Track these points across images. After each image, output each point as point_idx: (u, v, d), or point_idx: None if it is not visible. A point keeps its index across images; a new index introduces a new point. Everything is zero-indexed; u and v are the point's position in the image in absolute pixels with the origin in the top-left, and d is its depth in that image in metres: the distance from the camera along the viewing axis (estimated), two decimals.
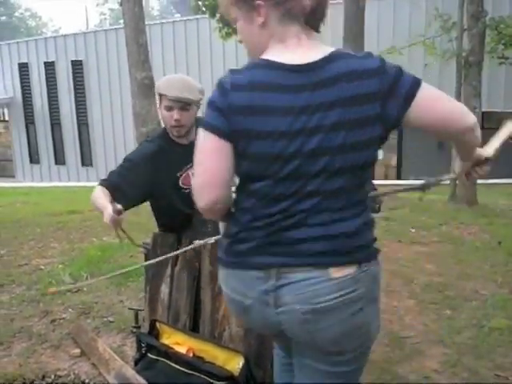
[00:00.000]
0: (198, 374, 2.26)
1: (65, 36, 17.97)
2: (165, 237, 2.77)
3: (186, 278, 2.68)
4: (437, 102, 1.32)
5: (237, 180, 1.43)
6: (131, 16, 8.10)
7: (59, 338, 2.97)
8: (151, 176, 2.48)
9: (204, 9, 8.67)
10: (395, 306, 3.40)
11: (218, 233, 2.60)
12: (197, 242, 2.22)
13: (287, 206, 1.30)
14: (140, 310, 2.98)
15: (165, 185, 2.53)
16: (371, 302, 1.34)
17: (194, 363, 2.31)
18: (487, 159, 1.56)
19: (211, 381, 2.22)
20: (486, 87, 8.97)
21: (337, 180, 1.27)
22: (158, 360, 2.42)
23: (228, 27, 8.28)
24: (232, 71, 1.37)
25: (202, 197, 1.39)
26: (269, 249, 1.32)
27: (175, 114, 2.43)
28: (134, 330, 2.85)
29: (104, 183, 2.39)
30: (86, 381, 2.45)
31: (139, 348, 2.54)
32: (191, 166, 2.61)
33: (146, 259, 2.90)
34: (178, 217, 2.61)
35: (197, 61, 14.72)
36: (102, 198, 2.29)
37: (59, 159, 18.03)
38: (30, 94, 18.03)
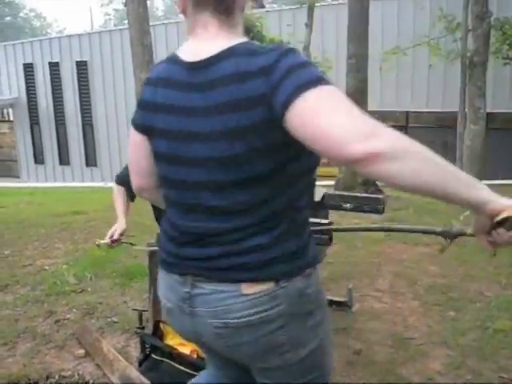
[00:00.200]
0: None
1: (69, 36, 18.01)
2: None
3: None
4: (313, 117, 1.02)
5: None
6: (136, 17, 8.13)
7: (63, 339, 2.98)
8: None
9: None
10: (399, 307, 3.40)
11: None
12: None
13: (194, 220, 1.22)
14: (144, 311, 2.99)
15: None
16: (299, 318, 1.22)
17: (199, 364, 2.31)
18: (498, 223, 1.10)
19: None
20: (491, 88, 8.95)
21: (235, 193, 1.16)
22: (162, 361, 2.43)
23: None
24: (155, 64, 1.35)
25: (133, 183, 1.45)
26: (183, 259, 1.26)
27: None
28: (138, 330, 2.86)
29: (118, 180, 2.66)
30: (91, 381, 2.46)
31: (143, 349, 2.56)
32: None
33: (151, 260, 2.91)
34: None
35: None
36: (119, 201, 2.41)
37: (64, 159, 18.07)
38: (35, 94, 18.08)
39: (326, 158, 1.05)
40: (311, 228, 1.30)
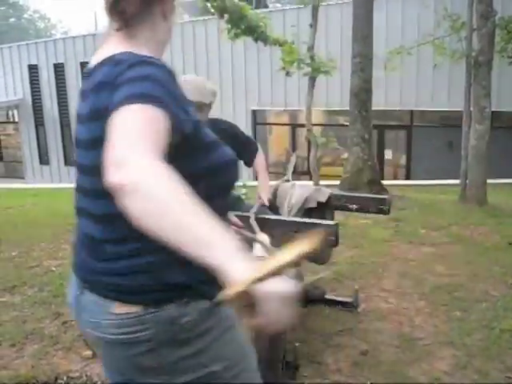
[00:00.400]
0: None
1: (74, 38, 18.06)
2: None
3: None
4: (111, 133, 0.97)
5: None
6: None
7: (71, 340, 3.00)
8: None
9: (212, 10, 8.67)
10: (405, 307, 3.40)
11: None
12: None
13: (85, 225, 1.22)
14: None
15: None
16: (171, 345, 1.17)
17: None
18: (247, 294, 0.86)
19: None
20: (496, 87, 8.94)
21: (99, 203, 1.13)
22: None
23: (236, 28, 8.28)
24: None
25: None
26: (78, 262, 1.26)
27: None
28: None
29: None
30: (99, 382, 2.47)
31: None
32: None
33: None
34: None
35: (205, 62, 14.76)
36: None
37: (69, 160, 18.11)
38: (40, 95, 18.14)
39: None
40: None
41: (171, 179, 0.92)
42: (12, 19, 44.23)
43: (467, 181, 7.02)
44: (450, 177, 9.75)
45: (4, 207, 7.38)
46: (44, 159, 18.56)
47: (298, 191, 3.28)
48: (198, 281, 1.15)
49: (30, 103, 18.36)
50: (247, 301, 0.86)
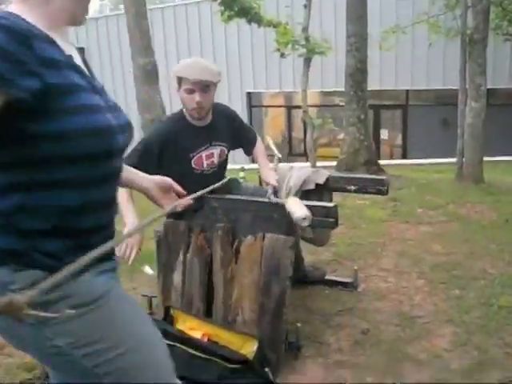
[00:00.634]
0: (214, 359, 2.31)
1: None
2: (176, 225, 2.81)
3: (198, 264, 2.73)
4: None
5: None
6: (132, 1, 8.06)
7: None
8: (165, 156, 2.55)
9: None
10: (404, 286, 3.44)
11: (228, 219, 2.65)
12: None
13: None
14: (153, 297, 3.03)
15: (178, 165, 2.57)
16: None
17: (210, 348, 2.36)
18: None
19: (227, 364, 2.28)
20: (491, 64, 8.92)
21: None
22: (174, 346, 2.46)
23: (230, 10, 8.22)
24: None
25: None
26: None
27: (197, 97, 2.50)
28: (149, 316, 2.89)
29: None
30: None
31: None
32: (205, 148, 2.66)
33: (159, 247, 2.95)
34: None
35: (199, 44, 14.66)
36: (124, 202, 2.37)
37: None
38: None
39: None
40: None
41: None
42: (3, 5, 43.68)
43: (463, 159, 7.04)
44: (447, 155, 9.77)
45: None
46: None
47: (296, 173, 3.29)
48: (36, 250, 1.16)
49: None
50: None
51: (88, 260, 0.88)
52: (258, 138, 3.05)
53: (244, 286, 2.57)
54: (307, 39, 7.47)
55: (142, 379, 1.26)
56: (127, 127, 1.34)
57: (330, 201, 3.18)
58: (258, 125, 16.12)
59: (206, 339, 2.45)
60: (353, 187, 3.25)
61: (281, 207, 2.47)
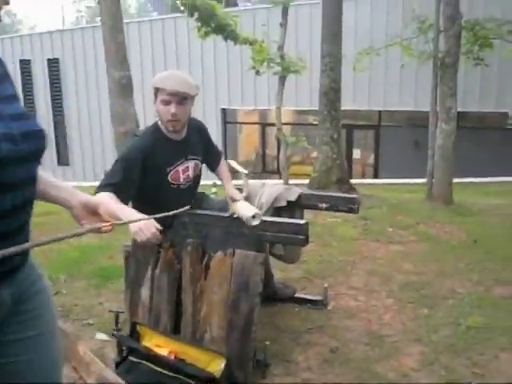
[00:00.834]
0: (180, 377, 2.27)
1: (41, 34, 17.71)
2: None
3: (166, 280, 2.69)
4: None
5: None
6: (109, 14, 8.02)
7: None
8: (143, 171, 2.51)
9: (182, 8, 8.62)
10: (374, 305, 3.44)
11: (198, 235, 2.62)
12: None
13: None
14: (120, 313, 2.97)
15: (154, 179, 2.55)
16: None
17: (176, 365, 2.32)
18: None
19: (193, 383, 2.24)
20: (462, 88, 9.12)
21: None
22: (139, 363, 2.42)
23: (206, 26, 8.25)
24: None
25: None
26: None
27: (172, 108, 2.47)
28: (115, 332, 2.84)
29: (109, 188, 2.38)
30: None
31: (120, 351, 2.54)
32: (181, 162, 2.64)
33: (127, 262, 2.90)
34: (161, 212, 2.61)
35: (175, 60, 14.67)
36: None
37: (62, 159, 17.79)
38: None
39: None
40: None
41: None
42: None
43: (433, 180, 7.13)
44: (417, 176, 9.90)
45: None
46: None
47: (268, 190, 3.29)
48: None
49: None
50: None
51: None
52: (223, 159, 3.07)
53: (213, 303, 2.54)
54: (282, 57, 7.54)
55: None
56: (31, 135, 1.27)
57: (302, 218, 3.17)
58: (233, 141, 16.16)
59: (172, 357, 2.41)
60: (324, 205, 3.26)
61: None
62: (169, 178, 2.61)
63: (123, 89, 7.89)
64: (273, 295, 3.31)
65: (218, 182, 3.22)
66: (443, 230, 5.41)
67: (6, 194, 1.20)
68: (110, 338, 2.88)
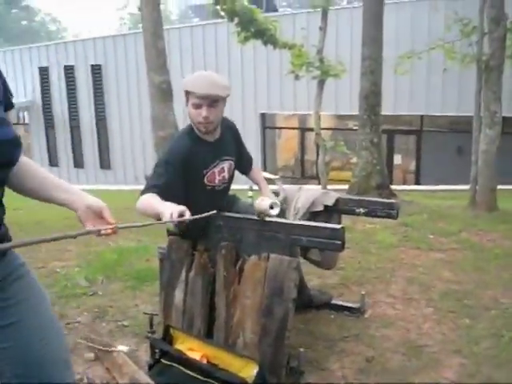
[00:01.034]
0: (212, 381, 2.24)
1: (84, 40, 18.15)
2: (180, 242, 2.77)
3: (200, 284, 2.68)
4: None
5: None
6: (150, 21, 8.14)
7: (74, 342, 2.97)
8: (183, 174, 2.49)
9: (222, 13, 8.68)
10: (413, 314, 3.34)
11: (232, 238, 2.60)
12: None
13: None
14: (155, 315, 2.98)
15: (191, 181, 2.53)
16: None
17: (208, 370, 2.29)
18: None
19: None
20: (507, 91, 8.85)
21: None
22: (171, 366, 2.41)
23: (246, 31, 8.27)
24: None
25: None
26: None
27: (204, 111, 2.44)
28: (149, 334, 2.84)
29: (155, 190, 2.38)
30: None
31: (153, 353, 2.54)
32: (217, 164, 2.62)
33: (161, 265, 2.90)
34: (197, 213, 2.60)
35: (214, 65, 14.77)
36: (159, 201, 2.26)
37: (78, 162, 18.19)
38: (50, 97, 18.23)
39: None
40: None
41: None
42: (24, 22, 44.51)
43: (477, 186, 6.94)
44: (460, 182, 9.66)
45: (12, 208, 7.38)
46: (53, 161, 18.64)
47: (305, 194, 3.25)
48: None
49: (40, 105, 18.46)
50: None
51: None
52: (254, 162, 3.04)
53: (246, 307, 2.50)
54: (321, 61, 7.48)
55: None
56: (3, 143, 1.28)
57: (339, 223, 3.11)
58: (271, 146, 16.15)
59: (205, 361, 2.38)
60: (362, 210, 3.20)
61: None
62: (205, 180, 2.59)
63: (163, 94, 7.99)
64: (308, 302, 3.26)
65: (255, 187, 3.19)
66: (486, 238, 5.24)
67: None
68: (130, 349, 2.88)
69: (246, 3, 8.02)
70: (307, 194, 3.24)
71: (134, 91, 15.94)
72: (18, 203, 7.71)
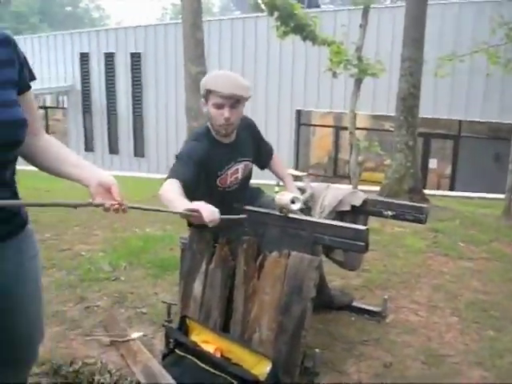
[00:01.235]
0: (224, 375, 2.22)
1: (125, 28, 18.33)
2: (202, 234, 2.74)
3: (219, 276, 2.65)
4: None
5: None
6: (190, 11, 8.16)
7: (91, 326, 2.99)
8: (198, 174, 2.45)
9: (263, 7, 8.63)
10: (436, 322, 3.26)
11: (254, 233, 2.56)
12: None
13: None
14: (173, 304, 2.97)
15: (203, 182, 2.49)
16: None
17: (221, 364, 2.27)
18: None
19: (236, 383, 2.17)
20: None
21: None
22: (185, 357, 2.39)
23: (285, 26, 8.20)
24: None
25: None
26: None
27: (226, 112, 2.37)
28: (166, 323, 2.84)
29: (180, 177, 2.31)
30: (113, 371, 2.44)
31: (167, 343, 2.52)
32: (231, 166, 2.57)
33: (183, 254, 2.89)
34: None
35: (253, 58, 14.73)
36: (182, 196, 2.20)
37: (113, 148, 18.41)
38: (89, 83, 18.48)
39: None
40: None
41: None
42: (68, 8, 45.27)
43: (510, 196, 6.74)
44: (496, 191, 9.43)
45: (43, 190, 7.53)
46: (89, 146, 18.91)
47: (332, 192, 3.18)
48: None
49: (80, 90, 18.73)
50: None
51: None
52: (274, 151, 2.96)
53: (264, 304, 2.47)
54: (360, 59, 7.36)
55: None
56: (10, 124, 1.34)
57: (365, 225, 3.04)
58: (305, 143, 16.05)
59: (218, 354, 2.36)
60: (390, 213, 3.12)
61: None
62: (217, 182, 2.55)
63: (199, 84, 7.98)
64: (329, 302, 3.20)
65: (282, 183, 3.14)
66: None
67: None
68: (146, 337, 2.88)
69: None
70: (335, 193, 3.18)
71: (172, 81, 16.02)
72: (49, 185, 7.85)
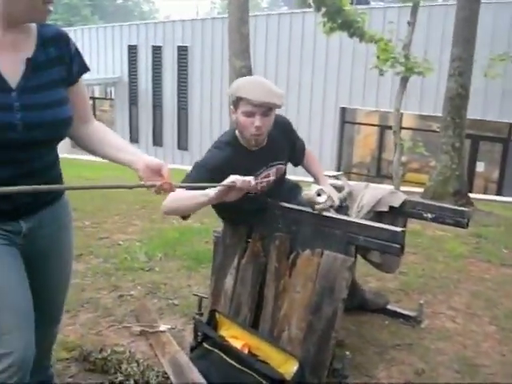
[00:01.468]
0: (250, 372, 2.19)
1: (173, 22, 18.49)
2: (235, 228, 2.72)
3: (251, 272, 2.62)
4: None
5: None
6: (236, 6, 8.16)
7: (123, 314, 3.01)
8: (214, 182, 2.31)
9: (310, 2, 8.55)
10: (473, 330, 3.14)
11: (288, 230, 2.52)
12: None
13: None
14: (204, 298, 2.96)
15: None
16: None
17: (248, 360, 2.25)
18: None
19: (262, 381, 2.15)
20: None
21: None
22: (212, 351, 2.38)
23: (332, 22, 8.11)
24: None
25: None
26: None
27: (257, 121, 2.25)
28: (196, 316, 2.83)
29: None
30: (141, 360, 2.45)
31: (196, 336, 2.52)
32: (262, 171, 2.49)
33: (216, 248, 2.87)
34: (242, 214, 2.51)
35: (299, 54, 14.63)
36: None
37: (157, 141, 18.64)
38: (136, 75, 18.75)
39: None
40: None
41: None
42: (119, 1, 46.03)
43: None
44: None
45: (86, 178, 7.67)
46: (134, 137, 19.20)
47: (371, 192, 3.11)
48: None
49: (127, 82, 19.03)
50: None
51: None
52: (306, 148, 2.86)
53: (295, 302, 2.43)
54: (407, 57, 7.21)
55: None
56: (38, 125, 1.43)
57: (403, 227, 2.96)
58: (349, 142, 15.86)
59: (246, 350, 2.34)
60: (430, 215, 3.02)
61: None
62: None
63: None
64: (361, 304, 3.14)
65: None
66: None
67: (16, 167, 1.45)
68: (176, 329, 2.87)
69: None
70: (373, 192, 3.10)
71: (218, 75, 16.08)
72: (92, 174, 8.00)
